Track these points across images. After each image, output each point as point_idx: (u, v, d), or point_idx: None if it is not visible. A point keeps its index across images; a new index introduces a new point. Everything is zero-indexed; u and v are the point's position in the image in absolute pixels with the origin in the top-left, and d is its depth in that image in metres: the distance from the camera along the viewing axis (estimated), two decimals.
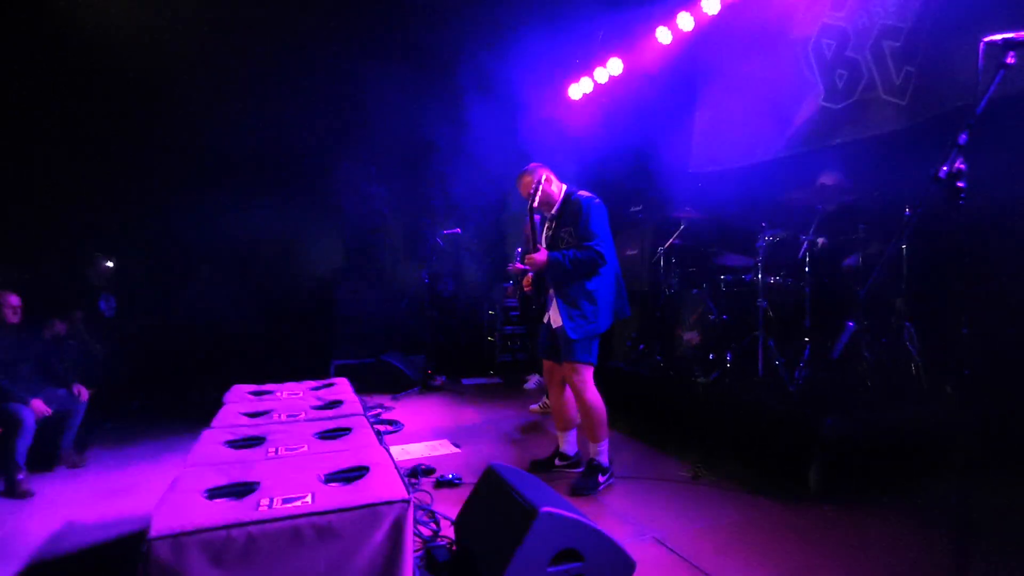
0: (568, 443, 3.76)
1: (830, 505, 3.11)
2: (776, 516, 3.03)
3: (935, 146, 1.91)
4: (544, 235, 3.66)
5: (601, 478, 3.42)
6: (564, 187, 3.61)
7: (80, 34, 5.53)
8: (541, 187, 3.48)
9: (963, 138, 1.77)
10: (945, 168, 1.76)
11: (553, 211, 3.59)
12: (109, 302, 5.28)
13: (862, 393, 3.76)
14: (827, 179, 4.39)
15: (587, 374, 3.42)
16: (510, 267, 5.75)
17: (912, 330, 3.77)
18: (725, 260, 5.04)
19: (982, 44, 1.79)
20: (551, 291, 3.53)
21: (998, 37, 1.78)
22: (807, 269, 4.09)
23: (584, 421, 3.49)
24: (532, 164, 3.61)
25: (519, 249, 5.75)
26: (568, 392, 3.65)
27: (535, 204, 3.49)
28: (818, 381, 3.89)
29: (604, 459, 3.47)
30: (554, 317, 3.50)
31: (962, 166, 1.76)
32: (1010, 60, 1.77)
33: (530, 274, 3.58)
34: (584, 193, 3.51)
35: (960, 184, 1.76)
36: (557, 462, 3.75)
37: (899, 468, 3.35)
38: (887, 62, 4.39)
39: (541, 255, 3.41)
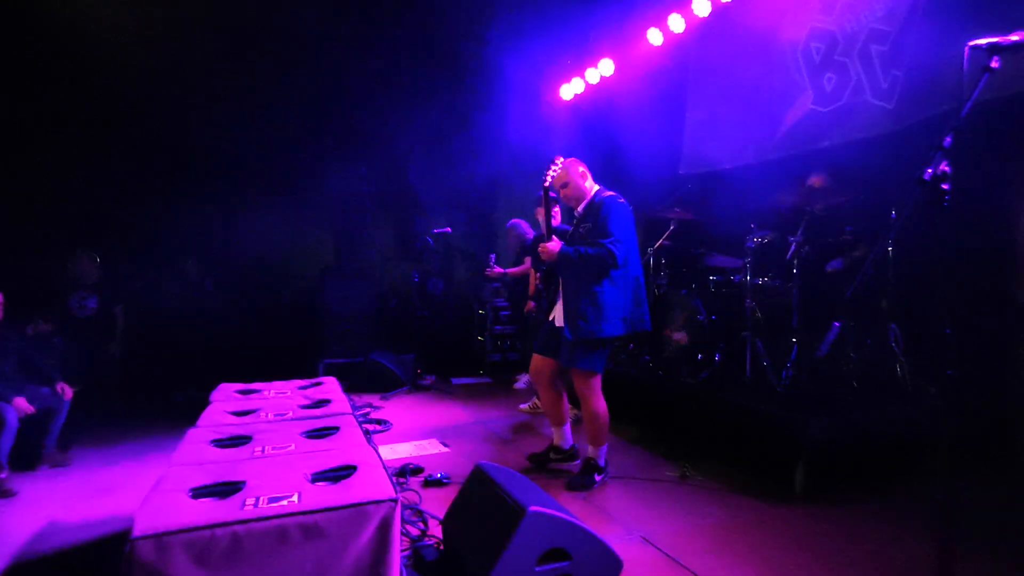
0: (563, 438, 3.79)
1: (815, 504, 3.13)
2: (763, 516, 3.05)
3: (922, 149, 1.93)
4: (570, 233, 3.63)
5: (597, 476, 3.47)
6: (596, 187, 3.56)
7: (68, 31, 5.47)
8: (572, 180, 3.48)
9: (948, 141, 1.78)
10: (930, 171, 1.77)
11: (580, 209, 3.55)
12: (86, 301, 5.20)
13: (848, 393, 3.80)
14: (815, 181, 4.43)
15: (594, 382, 3.41)
16: (494, 271, 5.79)
17: (897, 331, 3.81)
18: (714, 261, 5.07)
19: (967, 48, 1.80)
20: (560, 292, 3.50)
21: (983, 41, 1.80)
22: (795, 271, 4.12)
23: (587, 426, 3.51)
24: (571, 157, 3.57)
25: (493, 256, 5.79)
26: (559, 388, 3.69)
27: (562, 196, 3.51)
28: (805, 382, 3.92)
29: (602, 461, 3.51)
30: (558, 316, 3.49)
31: (947, 169, 1.77)
32: (995, 64, 1.79)
33: (544, 256, 3.51)
34: (610, 193, 3.48)
35: (944, 187, 1.78)
36: (552, 455, 3.81)
37: (884, 468, 3.39)
38: (875, 66, 4.43)
39: (554, 245, 3.34)
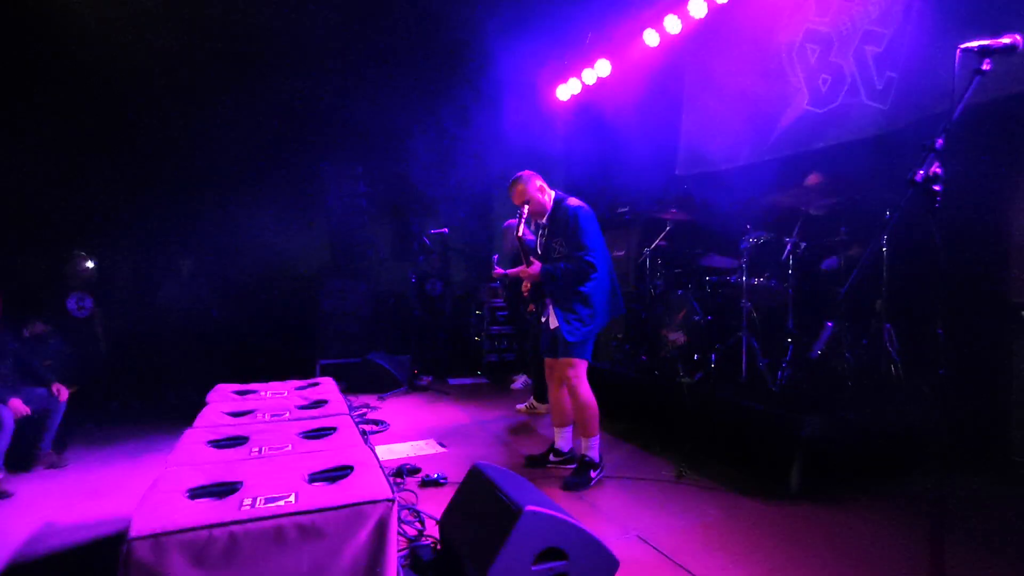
0: (563, 439, 3.84)
1: (811, 503, 3.15)
2: (758, 514, 3.07)
3: (915, 150, 1.94)
4: (538, 242, 3.75)
5: (593, 473, 3.50)
6: (553, 194, 3.66)
7: (65, 33, 5.46)
8: (533, 196, 3.58)
9: (939, 143, 1.80)
10: (921, 172, 1.79)
11: (544, 220, 3.68)
12: (84, 302, 5.20)
13: (843, 393, 3.81)
14: (811, 182, 4.45)
15: (581, 370, 3.54)
16: (495, 272, 5.84)
17: (892, 331, 3.83)
18: (710, 261, 5.08)
19: (958, 51, 1.82)
20: (547, 296, 3.64)
21: (974, 44, 1.82)
22: (790, 271, 4.14)
23: (577, 417, 3.58)
24: (524, 172, 3.65)
25: (496, 256, 5.84)
26: (566, 389, 3.72)
27: (525, 213, 3.58)
28: (800, 381, 3.93)
29: (595, 454, 3.54)
30: (551, 319, 3.61)
31: (938, 170, 1.79)
32: (986, 67, 1.81)
33: (527, 282, 3.67)
34: (573, 201, 3.58)
35: (936, 188, 1.80)
36: (552, 458, 3.85)
37: (879, 466, 3.41)
38: (869, 67, 4.45)
39: (534, 268, 3.53)
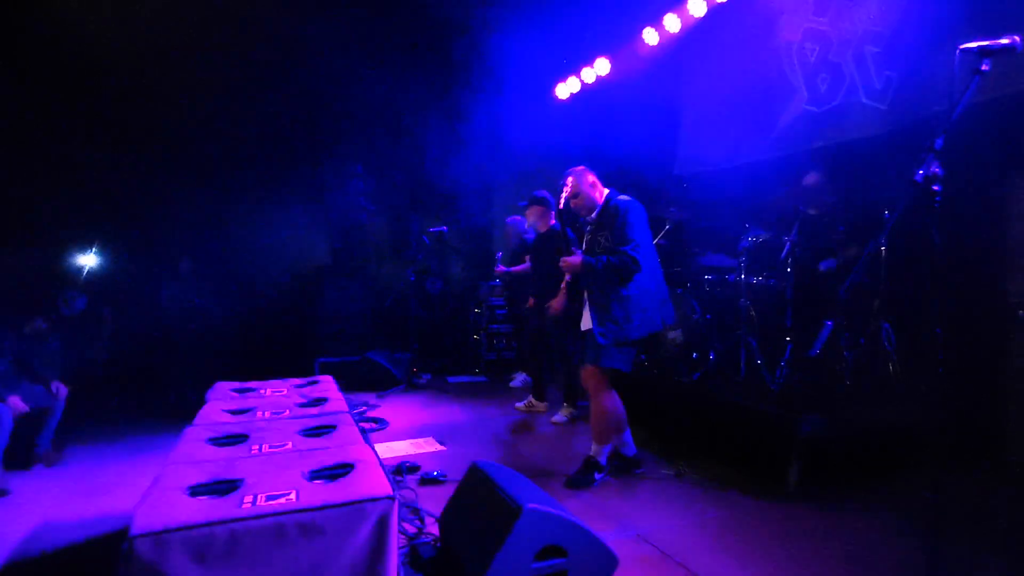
0: (625, 446, 3.68)
1: (809, 501, 3.16)
2: (757, 513, 3.08)
3: (914, 150, 1.95)
4: (584, 240, 3.64)
5: (597, 475, 3.48)
6: (607, 192, 3.57)
7: (65, 27, 5.44)
8: (583, 191, 3.49)
9: (939, 143, 1.81)
10: (921, 172, 1.80)
11: (593, 215, 3.56)
12: (83, 299, 5.18)
13: (841, 392, 3.83)
14: (809, 181, 4.46)
15: (605, 378, 3.42)
16: (498, 270, 5.83)
17: (890, 330, 3.84)
18: (709, 260, 5.09)
19: (958, 51, 1.83)
20: (585, 296, 3.50)
21: (973, 45, 1.83)
22: (789, 270, 4.15)
23: (593, 423, 3.51)
24: (577, 167, 3.56)
25: (499, 254, 5.82)
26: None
27: (573, 206, 3.49)
28: (799, 380, 3.95)
29: (603, 460, 3.52)
30: (585, 320, 3.48)
31: (938, 170, 1.80)
32: (985, 67, 1.81)
33: (567, 278, 3.52)
34: (623, 197, 3.49)
35: (936, 188, 1.80)
36: (616, 463, 3.67)
37: (876, 465, 3.42)
38: (868, 67, 4.46)
39: (575, 258, 3.39)
